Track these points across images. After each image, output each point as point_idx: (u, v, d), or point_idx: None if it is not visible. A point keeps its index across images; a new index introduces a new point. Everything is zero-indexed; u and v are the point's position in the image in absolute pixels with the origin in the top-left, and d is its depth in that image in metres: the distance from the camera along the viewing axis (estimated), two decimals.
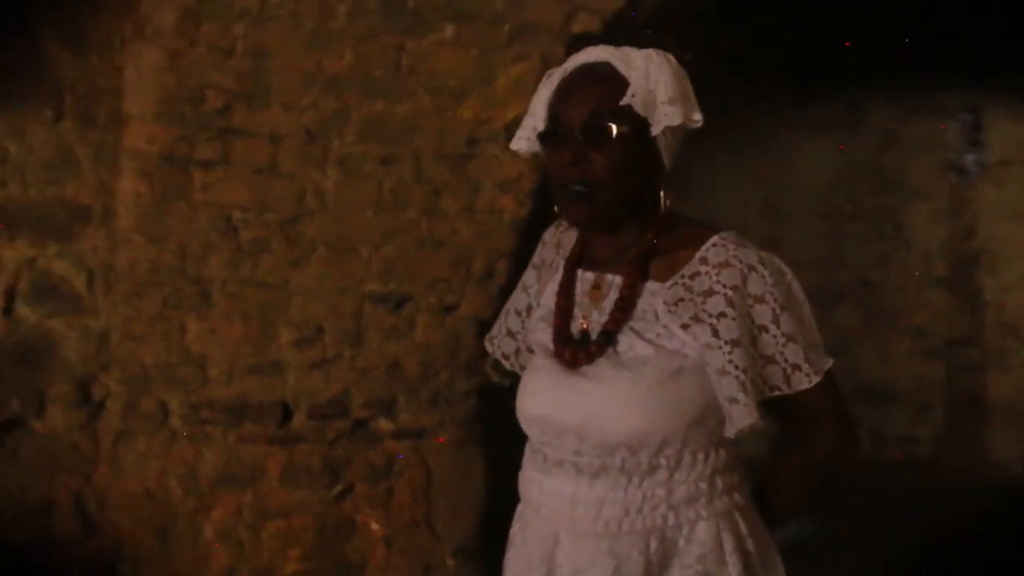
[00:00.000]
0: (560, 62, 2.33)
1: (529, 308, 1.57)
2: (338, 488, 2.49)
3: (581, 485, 1.37)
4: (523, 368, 1.56)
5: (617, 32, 2.40)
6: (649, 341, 1.37)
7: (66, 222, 2.28)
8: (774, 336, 1.36)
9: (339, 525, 2.48)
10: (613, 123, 1.35)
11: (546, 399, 1.41)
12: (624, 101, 1.35)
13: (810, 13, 5.15)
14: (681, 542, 1.38)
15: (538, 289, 1.54)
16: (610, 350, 1.38)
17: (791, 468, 1.47)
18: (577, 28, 2.39)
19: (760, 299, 1.36)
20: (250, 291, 2.37)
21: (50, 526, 2.27)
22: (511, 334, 1.60)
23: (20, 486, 2.25)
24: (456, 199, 2.48)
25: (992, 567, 4.10)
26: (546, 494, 1.41)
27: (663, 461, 1.36)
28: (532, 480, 1.44)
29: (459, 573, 2.59)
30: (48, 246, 2.26)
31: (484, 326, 2.58)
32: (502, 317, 1.62)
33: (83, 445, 2.31)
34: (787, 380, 1.36)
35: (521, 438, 1.52)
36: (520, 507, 1.48)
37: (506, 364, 1.62)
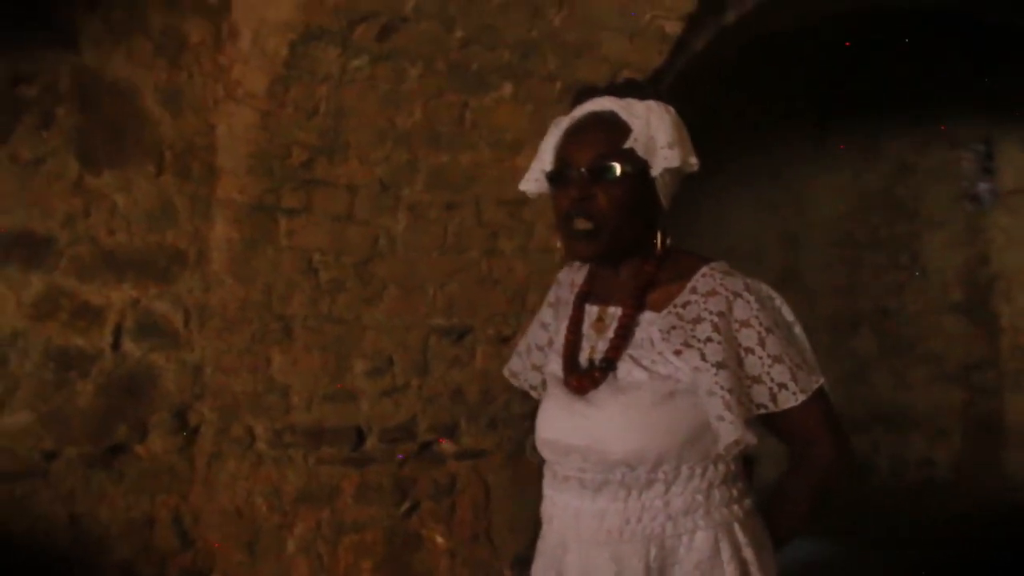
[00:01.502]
0: None
1: (550, 343, 1.67)
2: (406, 505, 2.78)
3: (585, 498, 1.49)
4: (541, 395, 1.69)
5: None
6: (644, 367, 1.48)
7: (165, 265, 2.57)
8: (760, 358, 1.46)
9: (407, 539, 2.77)
10: (617, 163, 1.47)
11: (556, 424, 1.53)
12: (627, 145, 1.48)
13: (826, 47, 5.44)
14: (681, 550, 1.47)
15: (556, 326, 1.66)
16: (611, 376, 1.50)
17: (790, 484, 1.56)
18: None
19: (746, 323, 1.46)
20: (328, 326, 2.68)
21: (151, 540, 2.55)
22: (536, 368, 1.72)
23: (125, 505, 2.53)
24: (512, 240, 2.79)
25: None
26: (557, 507, 1.53)
27: (660, 475, 1.47)
28: (547, 496, 1.56)
29: None
30: (150, 287, 2.55)
31: None
32: (523, 354, 1.75)
33: (180, 467, 2.59)
34: (773, 399, 1.46)
35: None
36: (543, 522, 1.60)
37: (534, 394, 1.73)
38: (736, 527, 1.49)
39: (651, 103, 1.52)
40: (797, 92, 6.31)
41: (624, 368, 1.50)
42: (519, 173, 2.73)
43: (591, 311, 1.58)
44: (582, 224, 1.48)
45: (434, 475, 2.79)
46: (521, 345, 1.76)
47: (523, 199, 2.76)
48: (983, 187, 6.38)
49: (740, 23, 3.07)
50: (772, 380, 1.46)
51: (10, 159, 2.44)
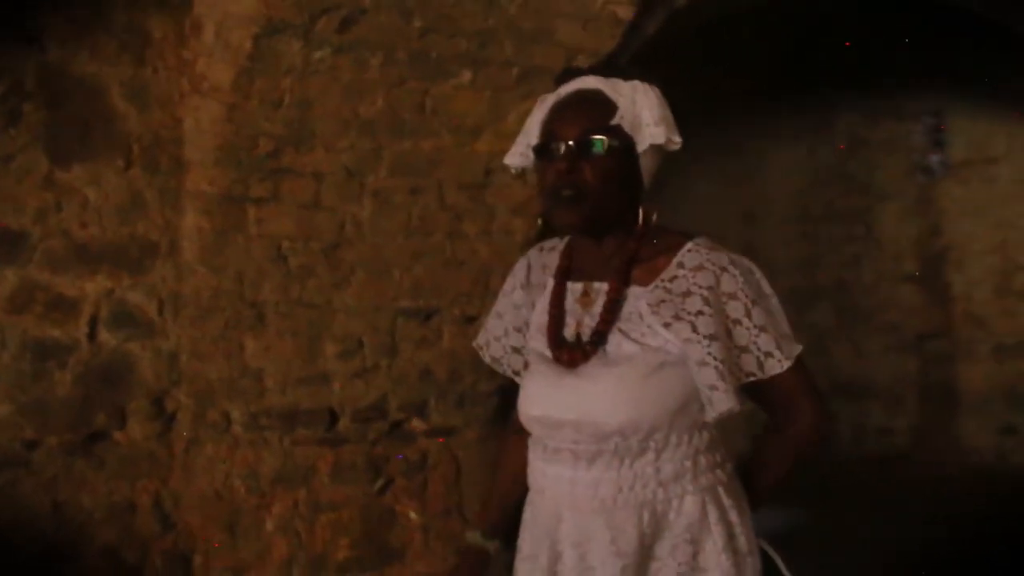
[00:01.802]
0: None
1: (526, 324, 1.70)
2: (380, 483, 2.90)
3: (579, 469, 1.54)
4: None
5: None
6: (634, 340, 1.54)
7: (138, 257, 2.66)
8: (747, 328, 1.53)
9: (382, 515, 2.89)
10: (604, 138, 1.53)
11: (545, 400, 1.58)
12: (614, 121, 1.53)
13: (779, 24, 5.58)
14: (671, 515, 1.54)
15: (529, 306, 1.69)
16: (601, 350, 1.55)
17: (771, 446, 1.64)
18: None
19: (732, 296, 1.53)
20: (299, 311, 2.78)
21: (133, 524, 2.65)
22: (516, 350, 1.74)
23: (107, 490, 2.63)
24: (475, 223, 2.91)
25: (968, 549, 4.46)
26: (549, 479, 1.58)
27: (651, 444, 1.52)
28: (536, 468, 1.60)
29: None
30: (123, 278, 2.64)
31: None
32: (502, 339, 1.75)
33: (159, 452, 2.70)
34: (760, 366, 1.53)
35: None
36: (530, 494, 1.65)
37: (517, 379, 1.74)
38: (720, 491, 1.56)
39: (636, 83, 1.58)
40: (752, 68, 6.46)
41: (614, 341, 1.55)
42: (480, 157, 2.87)
43: (574, 287, 1.62)
44: (567, 192, 1.53)
45: (405, 452, 2.91)
46: (496, 329, 1.77)
47: (484, 183, 2.89)
48: (934, 159, 6.57)
49: (691, 6, 3.20)
50: (759, 349, 1.53)
51: None
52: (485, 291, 2.98)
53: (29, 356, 2.56)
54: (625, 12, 2.77)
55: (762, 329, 1.53)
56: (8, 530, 2.53)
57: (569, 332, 1.59)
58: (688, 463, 1.54)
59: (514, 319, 1.73)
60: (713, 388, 1.51)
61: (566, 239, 1.70)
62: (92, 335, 2.63)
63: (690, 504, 1.54)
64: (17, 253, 2.55)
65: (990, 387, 6.37)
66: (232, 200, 2.67)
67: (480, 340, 1.80)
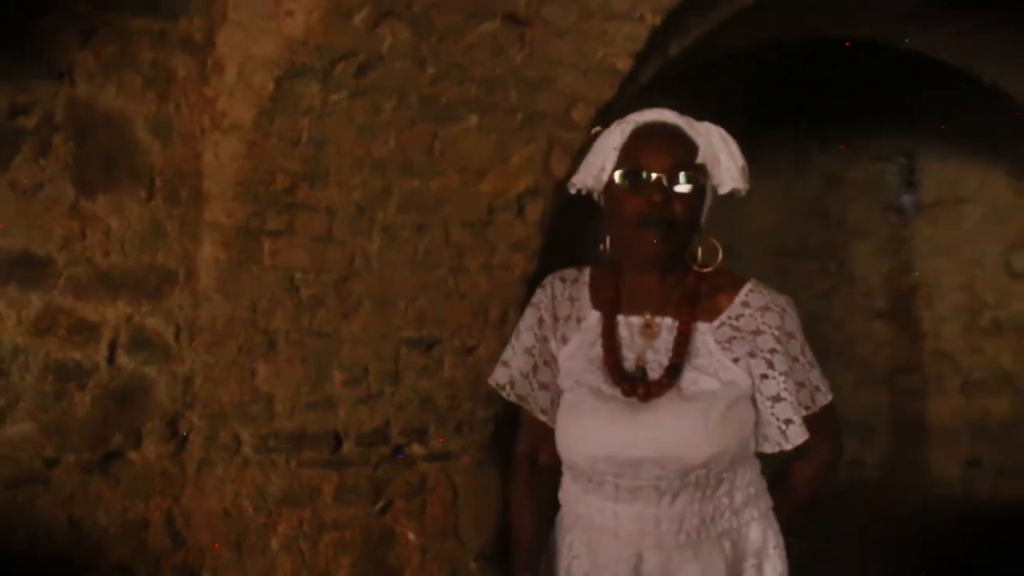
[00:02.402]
0: (565, 144, 2.98)
1: (554, 358, 1.71)
2: (380, 504, 3.05)
3: (663, 505, 1.57)
4: (554, 418, 1.69)
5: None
6: (711, 375, 1.59)
7: (156, 284, 2.80)
8: (803, 365, 1.63)
9: (382, 535, 3.04)
10: (694, 175, 1.60)
11: (614, 438, 1.57)
12: (699, 160, 1.61)
13: (757, 67, 5.83)
14: (742, 542, 1.63)
15: (561, 338, 1.69)
16: (673, 385, 1.58)
17: (799, 475, 1.74)
18: (576, 116, 3.05)
19: (791, 335, 1.63)
20: (309, 339, 2.94)
21: (145, 541, 2.77)
22: (543, 386, 1.71)
23: (121, 507, 2.75)
24: (477, 258, 3.10)
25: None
26: (624, 518, 1.59)
27: (726, 475, 1.60)
28: (603, 508, 1.61)
29: (481, 574, 3.19)
30: (142, 304, 2.78)
31: None
32: (529, 375, 1.70)
33: (172, 472, 2.82)
34: (813, 399, 1.64)
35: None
36: (569, 535, 1.66)
37: (543, 418, 1.71)
38: (771, 516, 1.67)
39: (708, 124, 1.66)
40: (731, 108, 6.68)
41: (688, 377, 1.59)
42: (484, 196, 3.08)
43: (630, 320, 1.65)
44: (657, 223, 1.57)
45: (406, 476, 3.08)
46: (524, 366, 1.72)
47: (487, 221, 3.09)
48: (906, 199, 6.77)
49: (682, 55, 3.44)
50: (811, 383, 1.65)
51: (10, 186, 2.65)
52: (484, 323, 3.17)
53: (51, 377, 2.68)
54: (624, 64, 2.99)
55: (812, 365, 1.66)
56: (27, 544, 2.66)
57: (628, 366, 1.63)
58: (752, 491, 1.65)
59: (542, 353, 1.71)
60: (789, 422, 1.60)
61: (586, 270, 1.74)
62: (111, 358, 2.76)
63: (755, 530, 1.64)
64: (42, 279, 2.68)
65: (958, 421, 6.54)
66: (248, 232, 2.84)
67: (500, 379, 1.74)
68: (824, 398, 1.67)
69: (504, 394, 1.75)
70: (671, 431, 1.56)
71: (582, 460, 1.62)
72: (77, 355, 2.73)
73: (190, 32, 2.83)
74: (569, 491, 1.70)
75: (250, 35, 2.76)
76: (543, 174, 3.06)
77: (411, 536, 3.07)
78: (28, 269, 2.67)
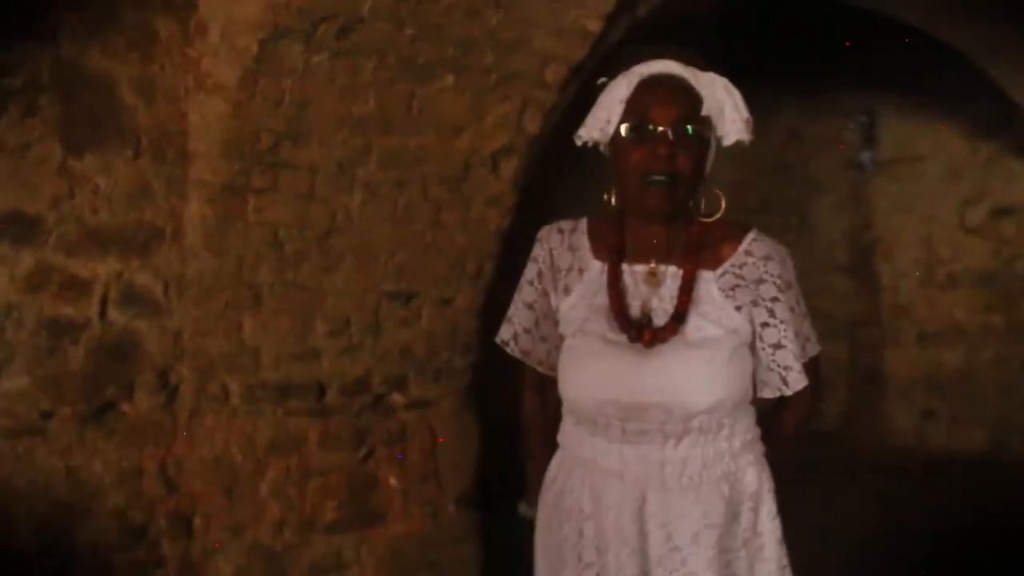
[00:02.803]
0: (538, 103, 3.12)
1: (556, 309, 1.73)
2: (363, 451, 3.22)
3: (668, 448, 1.61)
4: (553, 367, 1.74)
5: None
6: (715, 323, 1.61)
7: (145, 241, 2.92)
8: (798, 315, 1.67)
9: (365, 481, 3.21)
10: (699, 128, 1.60)
11: (622, 382, 1.61)
12: (703, 112, 1.61)
13: (721, 18, 5.97)
14: (740, 485, 1.65)
15: (564, 290, 1.71)
16: (678, 332, 1.61)
17: (784, 421, 1.77)
18: (549, 75, 3.19)
19: (789, 284, 1.67)
20: (293, 293, 3.08)
21: (140, 488, 2.92)
22: (544, 339, 1.76)
23: (116, 457, 2.89)
24: (454, 213, 3.25)
25: (891, 522, 4.79)
26: (630, 461, 1.62)
27: (726, 420, 1.63)
28: (608, 450, 1.63)
29: (460, 517, 3.38)
30: (132, 261, 2.90)
31: (476, 315, 3.37)
32: (532, 331, 1.74)
33: (164, 422, 2.97)
34: (803, 349, 1.67)
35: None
36: (571, 477, 1.68)
37: (541, 369, 1.78)
38: (764, 461, 1.70)
39: (713, 75, 1.65)
40: (694, 62, 6.80)
41: (693, 323, 1.62)
42: (460, 153, 3.23)
43: (634, 268, 1.67)
44: (662, 176, 1.57)
45: (387, 424, 3.25)
46: (527, 321, 1.76)
47: (463, 177, 3.23)
48: (865, 156, 6.89)
49: (648, 15, 3.58)
50: (803, 333, 1.69)
51: None
52: (461, 276, 3.33)
53: (45, 333, 2.81)
54: (594, 25, 3.13)
55: (804, 316, 1.70)
56: (27, 492, 2.79)
57: (633, 313, 1.64)
58: (750, 436, 1.68)
59: (542, 307, 1.75)
60: (788, 368, 1.65)
61: (583, 221, 1.76)
62: (103, 313, 2.88)
63: (751, 474, 1.67)
64: (33, 237, 2.80)
65: (913, 373, 6.73)
66: (234, 190, 2.97)
67: (504, 335, 1.79)
68: (813, 349, 1.72)
69: (508, 350, 1.79)
70: (677, 377, 1.60)
71: (589, 403, 1.65)
72: (69, 311, 2.85)
73: None
74: (572, 434, 1.72)
75: None
76: (517, 132, 3.20)
77: (392, 481, 3.25)
78: (19, 227, 2.79)
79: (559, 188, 4.97)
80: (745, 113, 1.64)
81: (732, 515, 1.65)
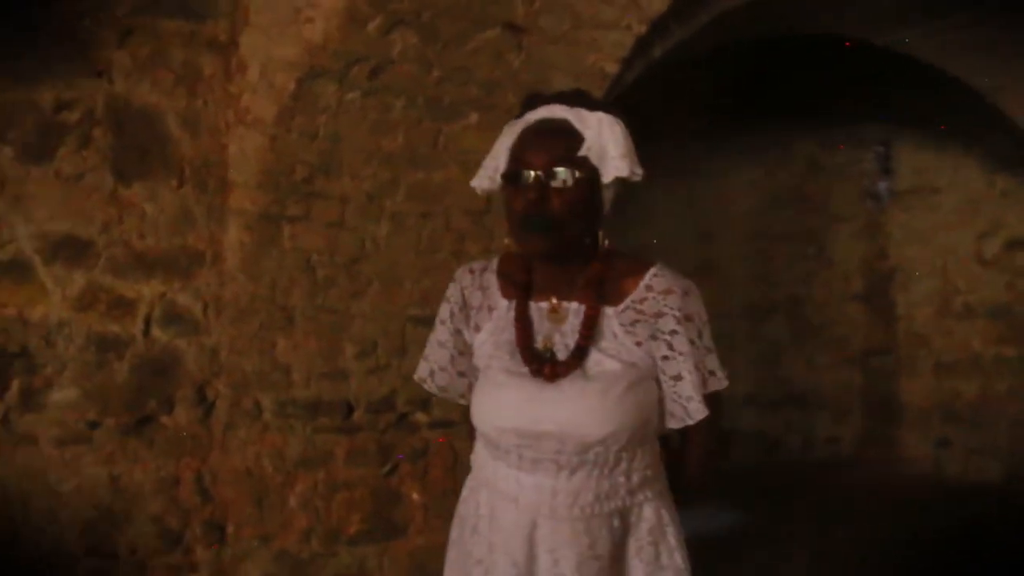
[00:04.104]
0: None
1: (468, 346, 1.79)
2: (388, 467, 3.43)
3: (561, 478, 1.66)
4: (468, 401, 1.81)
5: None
6: (614, 357, 1.66)
7: (186, 264, 3.16)
8: (698, 348, 1.68)
9: (389, 495, 3.41)
10: (572, 169, 1.61)
11: (521, 412, 1.66)
12: (581, 152, 1.62)
13: (742, 57, 6.16)
14: (632, 519, 1.70)
15: (475, 327, 1.77)
16: (578, 366, 1.66)
17: (691, 455, 1.81)
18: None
19: (690, 317, 1.67)
20: (323, 315, 3.31)
21: (177, 496, 3.15)
22: (462, 375, 1.83)
23: (155, 467, 3.11)
24: (476, 243, 3.47)
25: (905, 550, 4.85)
26: (526, 487, 1.68)
27: (624, 455, 1.67)
28: (508, 476, 1.69)
29: None
30: (174, 283, 3.14)
31: None
32: (448, 368, 1.83)
33: (200, 435, 3.19)
34: (705, 384, 1.69)
35: None
36: (477, 495, 1.76)
37: (462, 401, 1.86)
38: (667, 496, 1.75)
39: (600, 114, 1.67)
40: (716, 94, 6.99)
41: (592, 358, 1.66)
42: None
43: (540, 305, 1.72)
44: (537, 220, 1.61)
45: (411, 441, 3.47)
46: (441, 360, 1.84)
47: (486, 209, 3.46)
48: (882, 186, 7.05)
49: (664, 56, 3.80)
50: (705, 367, 1.70)
51: (55, 175, 3.01)
52: None
53: (93, 348, 3.05)
54: (612, 68, 3.37)
55: (708, 350, 1.71)
56: (73, 497, 3.03)
57: (537, 347, 1.70)
58: (649, 472, 1.72)
59: (456, 344, 1.82)
60: (690, 399, 1.68)
61: (495, 260, 1.83)
62: (146, 331, 3.12)
63: (648, 510, 1.71)
64: (84, 259, 3.04)
65: (929, 402, 6.83)
66: (270, 218, 3.21)
67: (422, 373, 1.88)
68: (718, 383, 1.73)
69: (426, 386, 1.88)
70: (572, 409, 1.64)
71: (491, 430, 1.71)
72: (116, 328, 3.09)
73: (215, 34, 3.19)
74: (480, 456, 1.79)
75: (272, 38, 3.12)
76: None
77: (415, 496, 3.45)
78: (72, 250, 3.04)
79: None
80: (623, 148, 1.65)
81: (621, 550, 1.69)
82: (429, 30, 3.08)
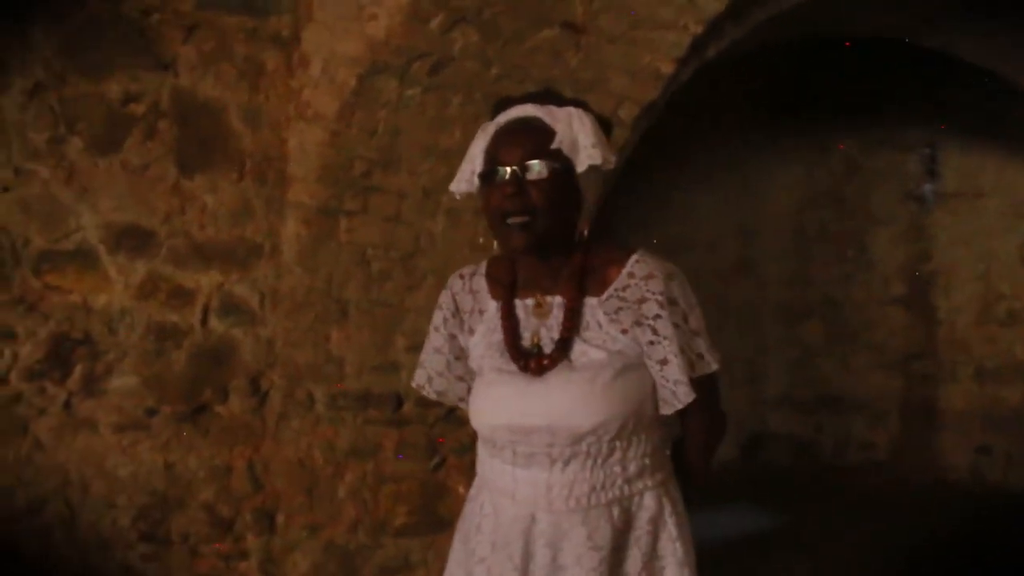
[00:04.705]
0: (612, 139, 3.40)
1: (463, 351, 1.84)
2: (435, 460, 3.50)
3: (555, 471, 1.68)
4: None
5: None
6: (599, 347, 1.68)
7: (245, 256, 3.24)
8: (684, 331, 1.69)
9: (436, 488, 3.48)
10: (546, 162, 1.65)
11: (511, 407, 1.70)
12: (553, 146, 1.66)
13: (785, 57, 6.20)
14: (634, 509, 1.71)
15: (469, 331, 1.82)
16: (565, 358, 1.69)
17: (693, 444, 1.82)
18: (623, 114, 3.47)
19: (673, 301, 1.69)
20: (377, 309, 3.38)
21: (229, 484, 3.23)
22: (460, 379, 1.87)
23: (209, 455, 3.21)
24: None
25: (940, 559, 4.88)
26: (521, 482, 1.70)
27: (618, 444, 1.68)
28: (504, 473, 1.73)
29: None
30: (232, 274, 3.23)
31: None
32: (445, 373, 1.87)
33: (254, 424, 3.28)
34: (693, 367, 1.69)
35: None
36: (480, 495, 1.80)
37: (461, 405, 1.89)
38: (669, 485, 1.76)
39: (570, 109, 1.72)
40: (756, 92, 7.03)
41: (577, 349, 1.69)
42: None
43: (524, 302, 1.75)
44: (516, 218, 1.65)
45: (458, 435, 3.54)
46: (438, 365, 1.88)
47: None
48: (927, 188, 7.05)
49: (716, 56, 3.85)
50: (692, 351, 1.70)
51: (121, 165, 3.11)
52: None
53: (152, 337, 3.15)
54: (667, 68, 3.41)
55: (695, 333, 1.72)
56: (129, 483, 3.13)
57: (525, 344, 1.73)
58: (647, 461, 1.72)
59: (452, 350, 1.87)
60: (677, 382, 1.68)
61: (483, 264, 1.89)
62: (204, 321, 3.21)
63: (649, 499, 1.72)
64: (146, 249, 3.14)
65: (969, 408, 6.83)
66: (327, 212, 3.29)
67: (419, 380, 1.92)
68: (706, 367, 1.73)
69: (424, 392, 1.92)
70: (560, 400, 1.67)
71: (484, 428, 1.77)
72: (175, 318, 3.19)
73: (278, 29, 3.27)
74: (480, 456, 1.84)
75: (335, 34, 3.20)
76: None
77: (461, 490, 3.52)
78: (135, 240, 3.14)
79: (626, 217, 5.21)
80: (594, 138, 1.70)
81: (622, 540, 1.70)
82: (490, 27, 3.14)
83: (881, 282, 7.23)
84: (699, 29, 3.38)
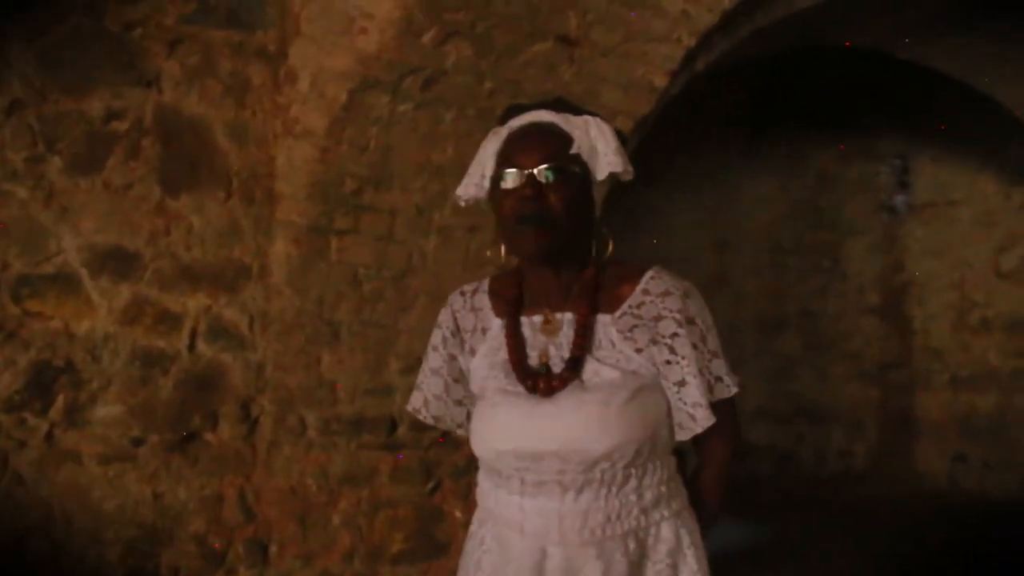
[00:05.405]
0: None
1: (463, 373, 1.73)
2: (431, 484, 3.40)
3: (567, 501, 1.57)
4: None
5: None
6: (612, 366, 1.58)
7: (233, 278, 3.12)
8: (702, 352, 1.60)
9: (432, 513, 3.38)
10: (566, 166, 1.58)
11: (518, 431, 1.59)
12: (572, 150, 1.60)
13: (760, 69, 6.19)
14: (650, 541, 1.61)
15: (470, 351, 1.72)
16: (575, 378, 1.59)
17: (708, 470, 1.73)
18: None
19: (691, 320, 1.60)
20: (369, 330, 3.28)
21: (220, 515, 3.10)
22: (459, 403, 1.75)
23: (199, 484, 3.07)
24: None
25: (919, 565, 4.91)
26: (530, 513, 1.59)
27: (633, 472, 1.58)
28: (509, 502, 1.61)
29: None
30: (220, 296, 3.10)
31: None
32: (443, 396, 1.75)
33: (244, 452, 3.15)
34: (711, 390, 1.60)
35: None
36: (482, 529, 1.69)
37: (460, 431, 1.77)
38: (686, 514, 1.66)
39: (587, 117, 1.66)
40: (732, 105, 7.03)
41: (589, 368, 1.59)
42: None
43: (531, 319, 1.65)
44: (533, 217, 1.56)
45: (454, 458, 3.43)
46: (435, 387, 1.76)
47: None
48: (899, 199, 7.09)
49: (705, 68, 3.80)
50: (711, 373, 1.61)
51: (104, 185, 2.98)
52: None
53: (138, 363, 3.01)
54: (660, 81, 3.35)
55: (714, 354, 1.63)
56: (116, 516, 2.99)
57: (532, 363, 1.62)
58: (664, 489, 1.63)
59: (451, 371, 1.75)
60: (696, 405, 1.59)
61: (486, 281, 1.79)
62: (191, 346, 3.08)
63: (666, 530, 1.62)
64: (131, 271, 3.01)
65: (945, 416, 6.87)
66: (318, 231, 3.18)
67: (415, 403, 1.80)
68: (725, 391, 1.64)
69: (420, 416, 1.80)
70: (571, 423, 1.57)
71: (488, 454, 1.64)
72: (161, 343, 3.06)
73: (265, 44, 3.16)
74: (482, 486, 1.72)
75: (323, 49, 3.09)
76: None
77: (457, 514, 3.42)
78: (118, 263, 3.01)
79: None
80: (615, 143, 1.64)
81: (638, 573, 1.61)
82: (483, 41, 3.05)
83: (856, 292, 7.26)
84: (692, 42, 3.33)
